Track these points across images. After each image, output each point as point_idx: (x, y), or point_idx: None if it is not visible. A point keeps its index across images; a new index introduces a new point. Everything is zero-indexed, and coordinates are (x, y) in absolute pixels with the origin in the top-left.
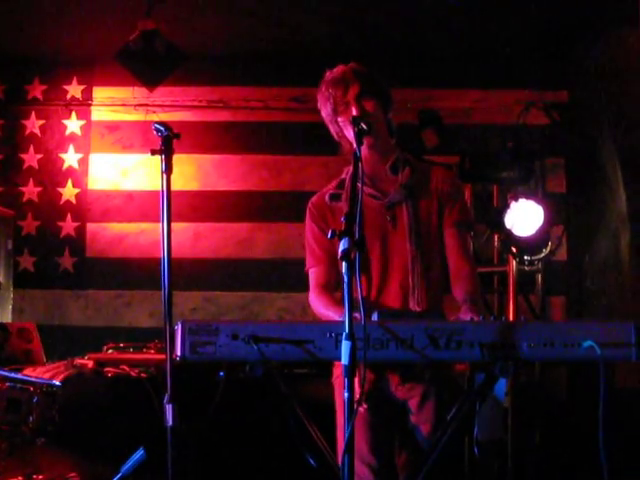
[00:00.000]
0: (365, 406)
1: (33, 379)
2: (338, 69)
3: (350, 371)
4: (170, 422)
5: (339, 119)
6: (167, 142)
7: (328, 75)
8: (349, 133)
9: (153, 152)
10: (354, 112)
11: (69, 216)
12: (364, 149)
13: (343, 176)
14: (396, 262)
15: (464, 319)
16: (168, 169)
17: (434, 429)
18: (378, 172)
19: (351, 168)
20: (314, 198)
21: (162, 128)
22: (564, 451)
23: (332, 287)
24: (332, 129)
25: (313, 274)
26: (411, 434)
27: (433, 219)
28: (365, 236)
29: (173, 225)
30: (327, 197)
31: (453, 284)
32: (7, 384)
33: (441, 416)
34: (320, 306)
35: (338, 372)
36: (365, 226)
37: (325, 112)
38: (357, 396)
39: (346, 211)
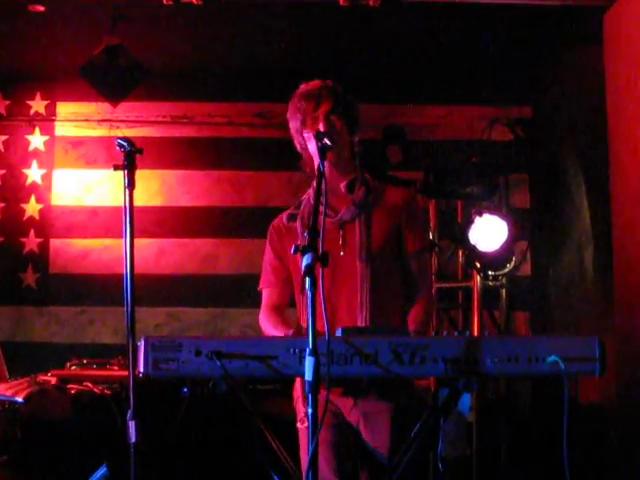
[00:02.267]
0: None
1: None
2: (314, 83)
3: (314, 387)
4: (133, 439)
5: (305, 132)
6: (130, 157)
7: (303, 87)
8: (312, 147)
9: (116, 167)
10: (321, 127)
11: (32, 232)
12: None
13: (302, 198)
14: (345, 281)
15: None
16: (131, 184)
17: (391, 449)
18: (333, 190)
19: (311, 190)
20: (274, 221)
21: (125, 143)
22: (529, 466)
23: (283, 308)
24: (297, 141)
25: (265, 295)
26: (369, 455)
27: (388, 237)
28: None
29: (137, 241)
30: (285, 218)
31: (409, 310)
32: None
33: (398, 435)
34: (268, 326)
35: (298, 395)
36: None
37: (293, 123)
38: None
39: (309, 226)
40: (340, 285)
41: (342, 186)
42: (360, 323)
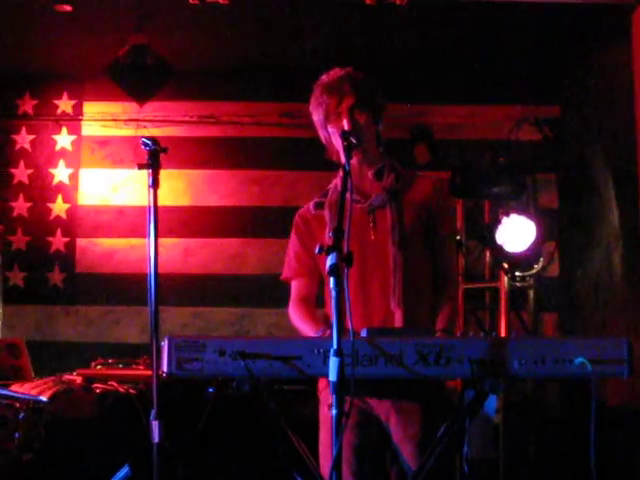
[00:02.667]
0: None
1: (19, 395)
2: (334, 74)
3: (338, 388)
4: (156, 439)
5: (329, 127)
6: (154, 156)
7: (324, 79)
8: (337, 143)
9: (140, 166)
10: (345, 126)
11: (59, 231)
12: (352, 161)
13: (329, 187)
14: (377, 264)
15: None
16: (155, 183)
17: (419, 448)
18: (362, 178)
19: (338, 180)
20: (301, 210)
21: (149, 142)
22: (557, 469)
23: (312, 300)
24: (321, 134)
25: (293, 287)
26: (396, 453)
27: (417, 226)
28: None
29: (163, 241)
30: (312, 206)
31: (437, 300)
32: None
33: (427, 434)
34: (297, 319)
35: (324, 384)
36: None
37: (316, 117)
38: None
39: (334, 225)
40: (372, 269)
41: (370, 174)
42: (393, 306)
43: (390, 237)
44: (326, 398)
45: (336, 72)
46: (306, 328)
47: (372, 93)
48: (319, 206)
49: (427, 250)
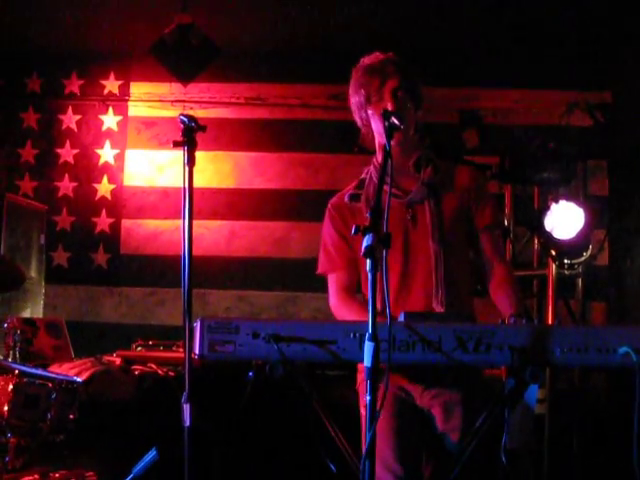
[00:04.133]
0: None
1: (52, 375)
2: (376, 57)
3: (372, 373)
4: (187, 422)
5: (369, 109)
6: (189, 133)
7: (365, 61)
8: (377, 126)
9: (175, 144)
10: (389, 106)
11: (104, 212)
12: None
13: (363, 176)
14: (418, 261)
15: None
16: (190, 161)
17: (462, 437)
18: (401, 169)
19: (372, 168)
20: (333, 199)
21: (186, 119)
22: (602, 460)
23: (354, 291)
24: (358, 116)
25: (334, 279)
26: (438, 443)
27: (458, 218)
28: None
29: (208, 223)
30: (346, 197)
31: (492, 289)
32: (25, 380)
33: (469, 423)
34: (350, 313)
35: (362, 378)
36: (387, 226)
37: (356, 98)
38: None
39: (371, 206)
40: (413, 265)
41: (409, 165)
42: (435, 303)
43: (430, 233)
44: (364, 392)
45: (378, 55)
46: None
47: (415, 78)
48: (354, 198)
49: (468, 242)
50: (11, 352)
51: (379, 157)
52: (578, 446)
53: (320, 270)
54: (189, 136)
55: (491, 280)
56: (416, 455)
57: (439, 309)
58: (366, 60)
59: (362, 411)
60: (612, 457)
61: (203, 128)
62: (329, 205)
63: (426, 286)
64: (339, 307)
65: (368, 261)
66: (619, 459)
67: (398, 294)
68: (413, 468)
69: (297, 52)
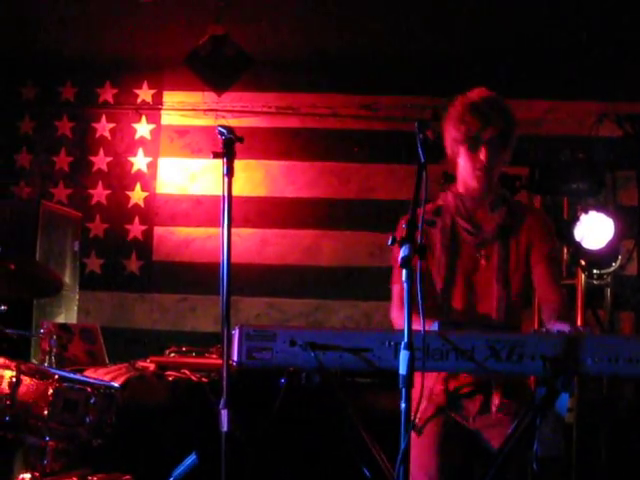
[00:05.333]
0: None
1: (91, 380)
2: (482, 95)
3: (408, 381)
4: (225, 428)
5: (462, 147)
6: (229, 145)
7: (471, 97)
8: (465, 164)
9: (215, 155)
10: (482, 155)
11: (137, 219)
12: (474, 182)
13: (440, 203)
14: (480, 300)
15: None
16: (230, 172)
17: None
18: (478, 207)
19: (450, 197)
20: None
21: (225, 131)
22: (630, 470)
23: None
24: (449, 145)
25: (396, 290)
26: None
27: (520, 262)
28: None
29: (240, 231)
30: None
31: (543, 309)
32: (65, 384)
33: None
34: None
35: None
36: (457, 259)
37: (453, 133)
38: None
39: (446, 244)
40: (476, 302)
41: (485, 203)
42: None
43: (495, 274)
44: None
45: (484, 93)
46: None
47: (514, 127)
48: (430, 224)
49: (527, 279)
50: (47, 357)
51: (459, 187)
52: (606, 455)
53: (392, 282)
54: (228, 147)
55: (543, 303)
56: (461, 471)
57: None
58: (473, 96)
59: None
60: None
61: (241, 139)
62: (402, 220)
63: (486, 322)
64: (397, 317)
65: (404, 271)
66: None
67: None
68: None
69: (328, 62)
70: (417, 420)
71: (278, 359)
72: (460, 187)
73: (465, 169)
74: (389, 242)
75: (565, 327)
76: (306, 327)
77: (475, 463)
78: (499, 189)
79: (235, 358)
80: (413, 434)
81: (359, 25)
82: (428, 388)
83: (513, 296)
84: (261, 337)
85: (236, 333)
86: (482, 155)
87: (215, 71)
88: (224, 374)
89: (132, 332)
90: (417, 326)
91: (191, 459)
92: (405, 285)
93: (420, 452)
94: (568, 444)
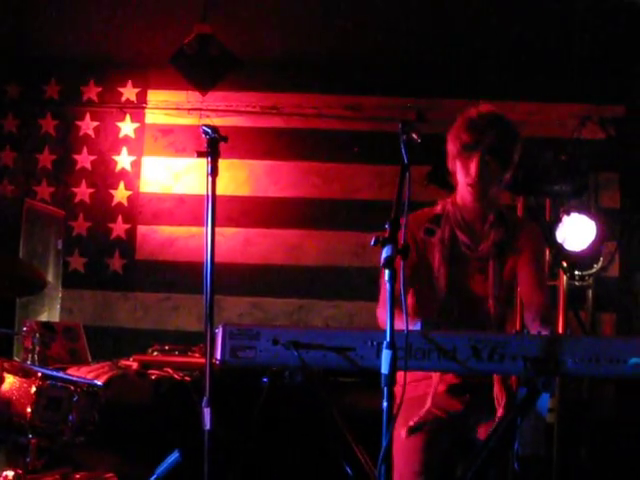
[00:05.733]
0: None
1: (74, 378)
2: (481, 111)
3: (389, 380)
4: (207, 426)
5: (458, 161)
6: (213, 144)
7: (471, 112)
8: (461, 178)
9: (199, 154)
10: (472, 169)
11: (120, 218)
12: (468, 197)
13: (439, 211)
14: (473, 313)
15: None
16: (214, 171)
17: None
18: (476, 221)
19: (449, 206)
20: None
21: (209, 130)
22: (610, 471)
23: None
24: (450, 161)
25: (384, 288)
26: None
27: (514, 276)
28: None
29: (223, 230)
30: (422, 230)
31: (525, 311)
32: (48, 382)
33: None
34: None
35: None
36: (456, 271)
37: (450, 147)
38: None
39: (444, 255)
40: (467, 316)
41: (483, 222)
42: None
43: (491, 292)
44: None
45: (485, 109)
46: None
47: (511, 142)
48: (429, 233)
49: (514, 293)
50: (30, 355)
51: (457, 198)
52: (586, 455)
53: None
54: (213, 147)
55: (526, 305)
56: (443, 467)
57: None
58: (472, 111)
59: (401, 435)
60: (620, 466)
61: (225, 139)
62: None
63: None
64: (382, 315)
65: (386, 272)
66: (627, 468)
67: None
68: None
69: (313, 62)
70: (412, 422)
71: (261, 358)
72: (458, 199)
73: (460, 183)
74: (372, 242)
75: (546, 331)
76: (289, 326)
77: (459, 456)
78: (498, 206)
79: (219, 357)
80: (401, 433)
81: (344, 26)
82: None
83: (505, 312)
84: (244, 336)
85: (219, 332)
86: (472, 169)
87: (200, 70)
88: (207, 372)
89: (115, 331)
90: (401, 325)
91: (174, 457)
92: (387, 285)
93: (408, 450)
94: (549, 444)
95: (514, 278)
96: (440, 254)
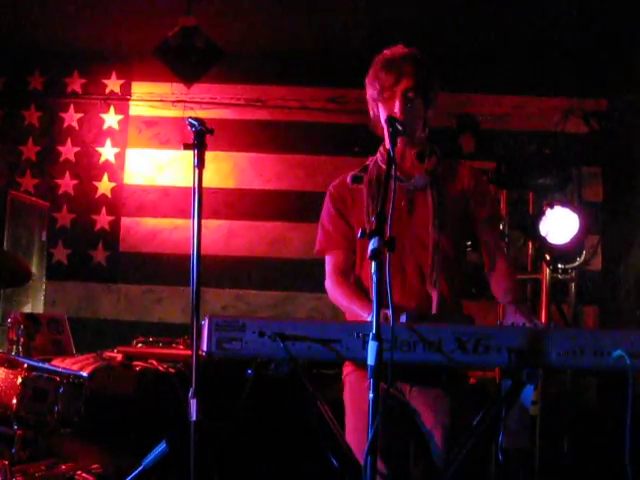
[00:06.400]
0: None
1: (60, 370)
2: (396, 51)
3: (376, 372)
4: (194, 417)
5: (380, 104)
6: (200, 137)
7: (386, 54)
8: (384, 122)
9: (186, 146)
10: (396, 108)
11: (104, 210)
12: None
13: (367, 162)
14: (413, 245)
15: (518, 323)
16: (200, 164)
17: (447, 436)
18: (404, 159)
19: (377, 155)
20: (335, 182)
21: (196, 123)
22: (592, 462)
23: (349, 273)
24: (370, 107)
25: (331, 259)
26: (426, 441)
27: (458, 210)
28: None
29: (207, 222)
30: (349, 179)
31: (491, 280)
32: (34, 373)
33: (454, 424)
34: (342, 297)
35: (348, 370)
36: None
37: (370, 91)
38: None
39: (377, 209)
40: (409, 250)
41: (412, 154)
42: (429, 287)
43: (430, 220)
44: (353, 382)
45: (399, 49)
46: (353, 307)
47: (430, 78)
48: (357, 180)
49: (465, 234)
50: (14, 347)
51: (387, 144)
52: (568, 447)
53: (318, 248)
54: (199, 139)
55: (491, 271)
56: (401, 453)
57: (433, 293)
58: (387, 53)
59: (349, 400)
60: (602, 458)
61: (211, 131)
62: (330, 187)
63: (421, 269)
64: (333, 289)
65: (373, 263)
66: (609, 460)
67: (393, 277)
68: (398, 466)
69: (298, 55)
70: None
71: (247, 349)
72: (387, 143)
73: (385, 130)
74: (359, 235)
75: (520, 319)
76: (275, 318)
77: (416, 443)
78: (428, 144)
79: (205, 348)
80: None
81: (328, 18)
82: None
83: (450, 246)
84: (230, 327)
85: (206, 323)
86: (396, 107)
87: (185, 62)
88: (193, 364)
89: (98, 322)
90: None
91: (161, 447)
92: (374, 277)
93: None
94: (531, 436)
95: (464, 219)
96: (368, 194)
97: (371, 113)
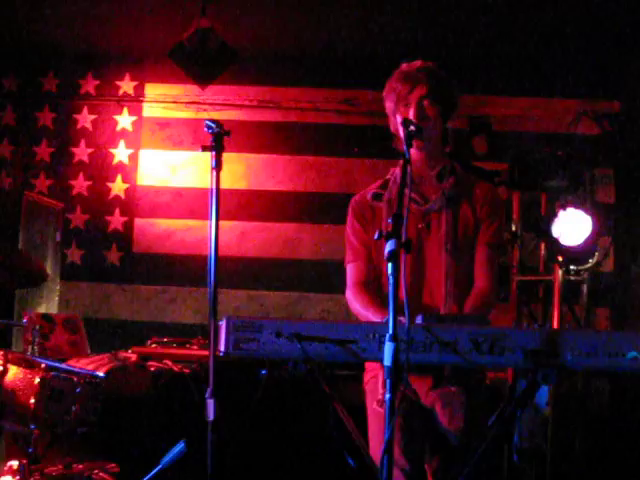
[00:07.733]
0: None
1: (77, 370)
2: (414, 64)
3: (392, 372)
4: (211, 416)
5: (397, 115)
6: (218, 139)
7: (403, 67)
8: (399, 127)
9: (204, 148)
10: (411, 114)
11: (117, 211)
12: (413, 151)
13: (388, 177)
14: (428, 269)
15: None
16: (218, 165)
17: (464, 433)
18: (423, 177)
19: (397, 170)
20: (357, 196)
21: (213, 125)
22: (603, 463)
23: (370, 284)
24: (390, 122)
25: (352, 269)
26: (442, 440)
27: (469, 232)
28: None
29: (220, 223)
30: (369, 196)
31: (469, 295)
32: (51, 374)
33: (471, 424)
34: (358, 304)
35: (368, 377)
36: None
37: (388, 104)
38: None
39: (393, 212)
40: (423, 273)
41: (432, 174)
42: (443, 311)
43: (444, 244)
44: (372, 390)
45: (417, 63)
46: (369, 314)
47: (446, 88)
48: (377, 197)
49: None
50: (30, 347)
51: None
52: (580, 447)
53: (346, 261)
54: (217, 141)
55: (472, 290)
56: (420, 451)
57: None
58: (404, 66)
59: (374, 407)
60: (614, 459)
61: (228, 133)
62: (352, 201)
63: (434, 293)
64: (352, 299)
65: (390, 265)
66: (621, 461)
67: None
68: (417, 463)
69: (311, 57)
70: (380, 395)
71: (264, 350)
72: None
73: (402, 137)
74: (375, 237)
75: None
76: (292, 319)
77: (432, 442)
78: (447, 161)
79: (222, 348)
80: (377, 408)
81: (341, 20)
82: None
83: (462, 268)
84: (248, 328)
85: (223, 324)
86: (411, 114)
87: (199, 64)
88: (211, 364)
89: (113, 323)
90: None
91: (179, 447)
92: (391, 279)
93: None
94: (543, 437)
95: (473, 239)
96: (388, 214)
97: (391, 127)
